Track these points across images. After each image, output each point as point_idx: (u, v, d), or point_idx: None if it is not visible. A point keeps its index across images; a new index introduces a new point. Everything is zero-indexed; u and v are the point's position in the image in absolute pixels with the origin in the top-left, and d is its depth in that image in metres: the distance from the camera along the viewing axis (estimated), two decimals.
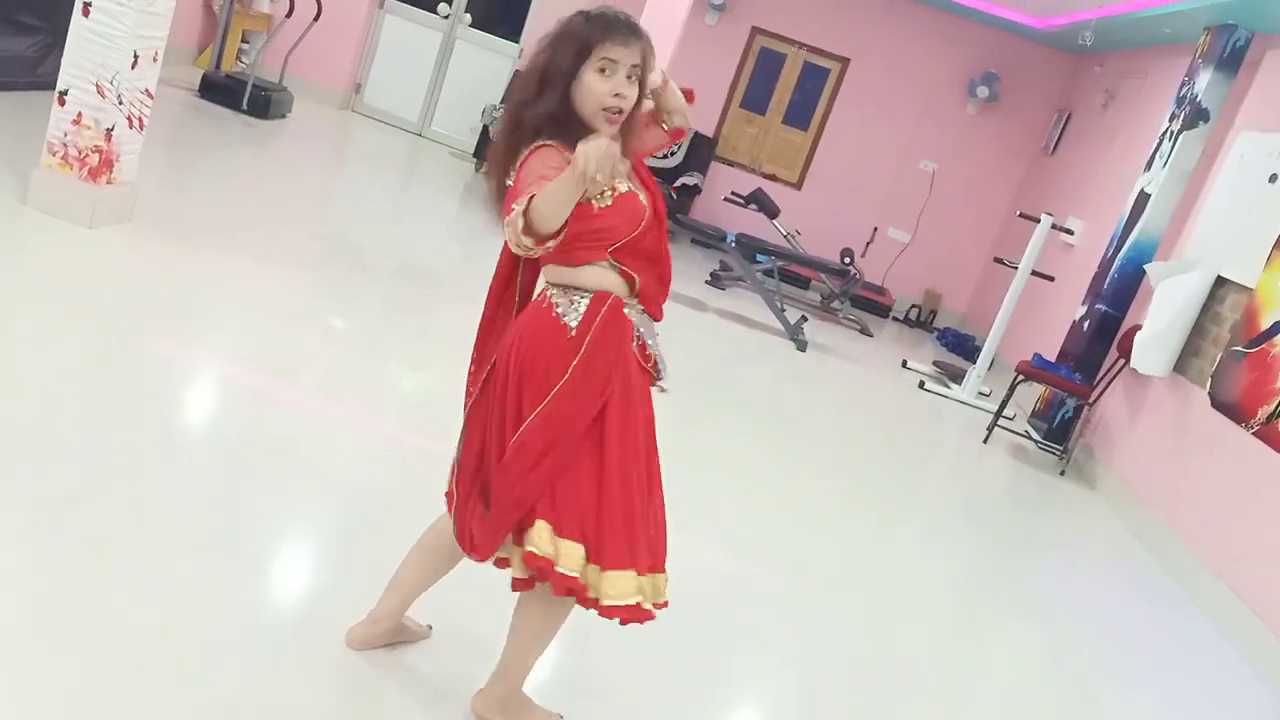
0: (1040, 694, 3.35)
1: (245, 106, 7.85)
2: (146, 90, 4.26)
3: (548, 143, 1.91)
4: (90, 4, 4.08)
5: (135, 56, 4.13)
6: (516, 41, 9.59)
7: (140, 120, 4.29)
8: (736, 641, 2.96)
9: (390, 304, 5.02)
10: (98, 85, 4.11)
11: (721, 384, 5.57)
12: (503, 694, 2.14)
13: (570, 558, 1.90)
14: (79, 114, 4.14)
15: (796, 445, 5.04)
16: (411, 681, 2.28)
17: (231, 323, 3.97)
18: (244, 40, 9.07)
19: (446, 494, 2.14)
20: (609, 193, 1.94)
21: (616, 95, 1.91)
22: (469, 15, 9.63)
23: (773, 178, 9.39)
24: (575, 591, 1.91)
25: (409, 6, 9.68)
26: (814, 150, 9.47)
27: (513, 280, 2.11)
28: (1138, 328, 5.71)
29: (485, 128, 8.91)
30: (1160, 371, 5.41)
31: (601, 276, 1.98)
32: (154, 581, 2.30)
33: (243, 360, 3.67)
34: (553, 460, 1.91)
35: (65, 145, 4.17)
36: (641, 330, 2.04)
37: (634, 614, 1.92)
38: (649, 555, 1.97)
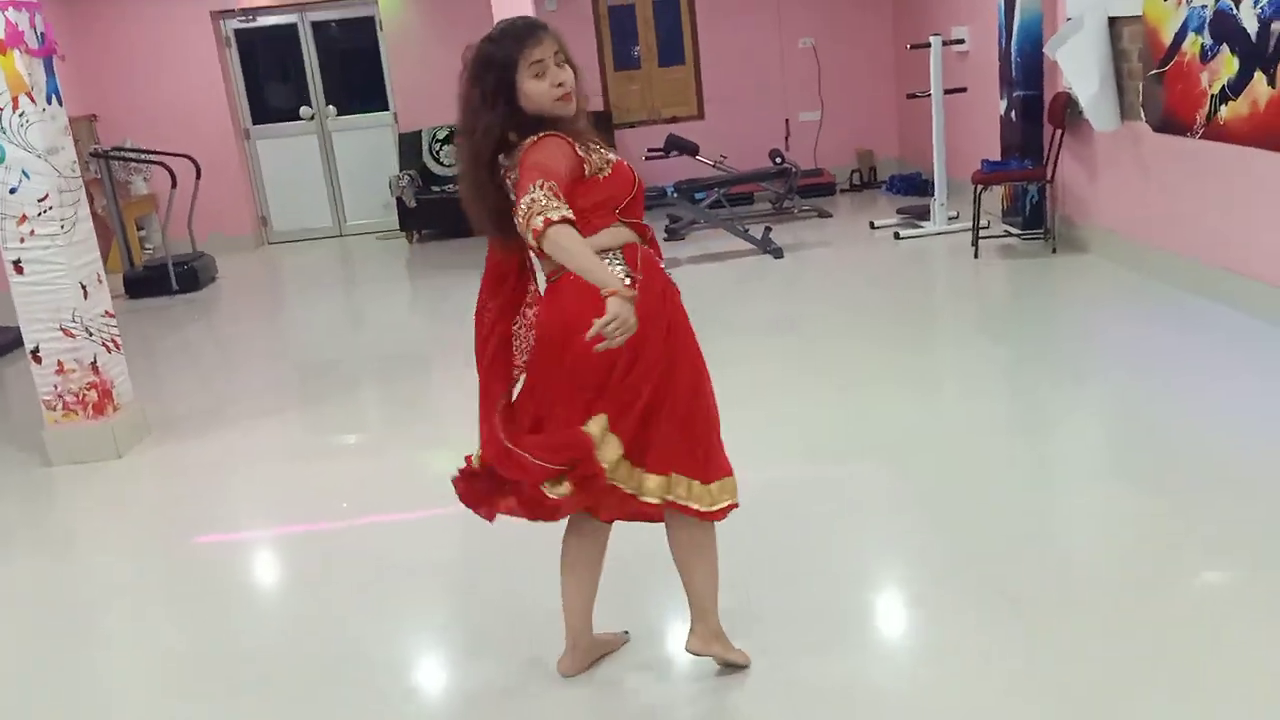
0: (1139, 448, 3.55)
1: (176, 286, 7.96)
2: (106, 312, 4.40)
3: (550, 134, 2.10)
4: (19, 260, 4.21)
5: (83, 287, 4.26)
6: (387, 109, 9.68)
7: (114, 341, 4.42)
8: (844, 536, 3.14)
9: (390, 399, 5.11)
10: (63, 329, 4.24)
11: (727, 316, 5.70)
12: (709, 627, 2.37)
13: (680, 485, 2.18)
14: (59, 363, 4.28)
15: (815, 340, 5.21)
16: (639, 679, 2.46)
17: (273, 488, 4.06)
18: (139, 228, 9.15)
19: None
20: (609, 164, 2.16)
21: (559, 85, 2.12)
22: (332, 108, 9.72)
23: (674, 119, 9.53)
24: (707, 515, 2.20)
25: (272, 125, 9.75)
26: (699, 78, 9.60)
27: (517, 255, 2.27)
28: (1061, 95, 5.91)
29: (399, 200, 9.03)
30: (1115, 125, 5.55)
31: (618, 234, 2.19)
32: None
33: (301, 512, 3.80)
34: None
35: (60, 396, 4.31)
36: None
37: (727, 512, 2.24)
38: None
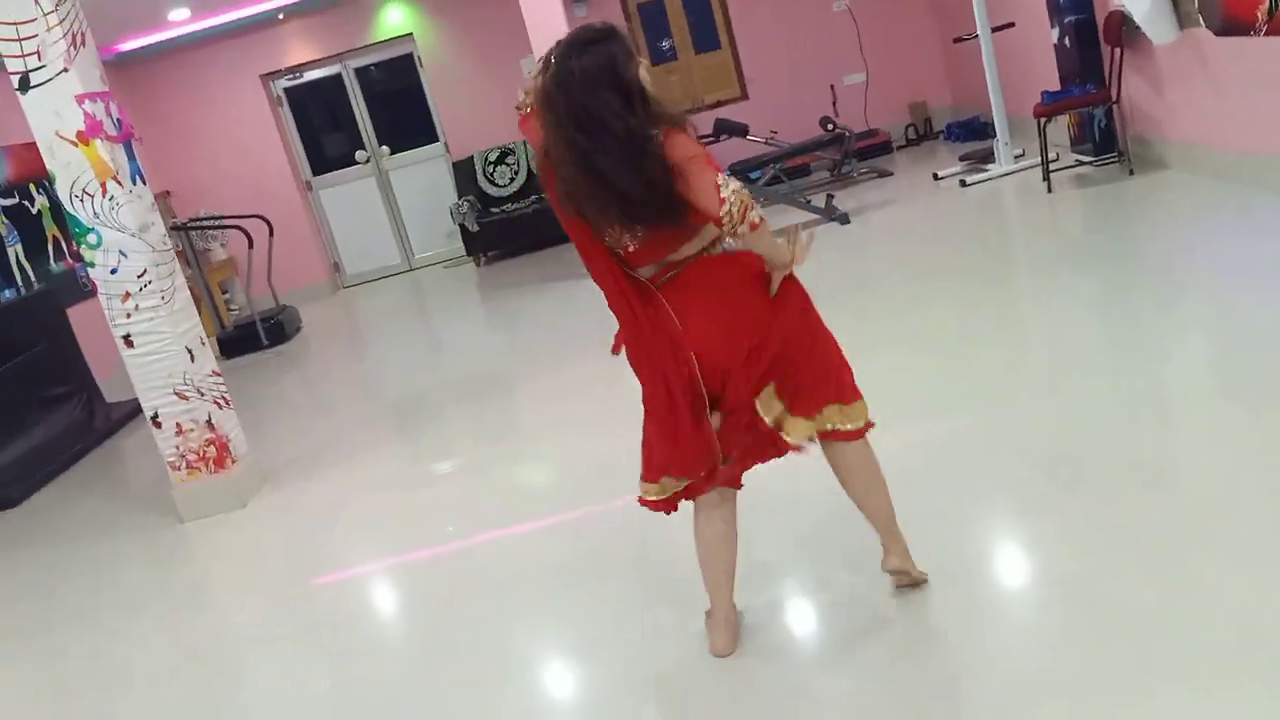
0: (1248, 364, 3.46)
1: (266, 341, 8.25)
2: (213, 371, 4.60)
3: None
4: (129, 335, 4.42)
5: (189, 351, 4.46)
6: (438, 140, 9.88)
7: (224, 399, 4.62)
8: (974, 488, 3.13)
9: (480, 419, 5.19)
10: (176, 393, 4.44)
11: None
12: (901, 544, 2.53)
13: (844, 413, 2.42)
14: (177, 425, 4.48)
15: (897, 299, 5.17)
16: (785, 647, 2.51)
17: (386, 518, 4.17)
18: (223, 291, 9.50)
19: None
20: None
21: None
22: (385, 148, 9.95)
23: (719, 104, 9.53)
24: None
25: (332, 173, 10.03)
26: (737, 59, 9.59)
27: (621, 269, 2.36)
28: (1115, 14, 5.76)
29: (461, 226, 9.21)
30: (1174, 36, 5.39)
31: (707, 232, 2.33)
32: None
33: (417, 538, 3.90)
34: None
35: (183, 456, 4.52)
36: None
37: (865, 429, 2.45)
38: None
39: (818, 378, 2.38)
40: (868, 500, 2.50)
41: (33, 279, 7.21)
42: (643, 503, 2.46)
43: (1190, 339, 3.83)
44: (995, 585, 2.62)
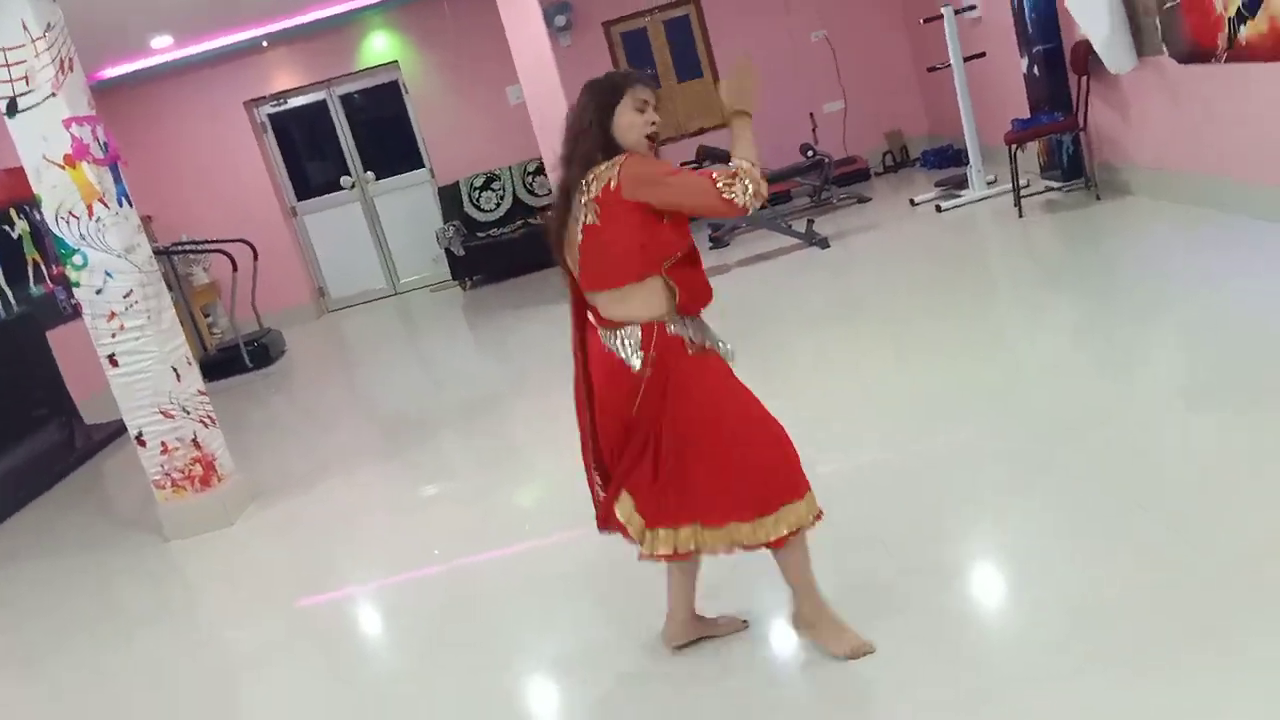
0: (1216, 372, 3.57)
1: (250, 364, 8.28)
2: (199, 390, 4.65)
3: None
4: (113, 355, 4.47)
5: (174, 370, 4.51)
6: (423, 166, 9.98)
7: (210, 417, 4.67)
8: (948, 500, 3.22)
9: (469, 441, 5.24)
10: (162, 412, 4.49)
11: (784, 310, 5.80)
12: (808, 607, 2.50)
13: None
14: (162, 443, 4.52)
15: (876, 320, 5.28)
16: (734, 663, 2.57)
17: (374, 540, 4.20)
18: (206, 315, 9.52)
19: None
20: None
21: (653, 124, 2.38)
22: (370, 173, 10.04)
23: (701, 131, 9.68)
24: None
25: (317, 198, 10.11)
26: (719, 87, 9.74)
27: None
28: (1081, 44, 5.93)
29: (447, 250, 9.29)
30: (1130, 64, 5.59)
31: (650, 301, 2.36)
32: None
33: (405, 561, 3.92)
34: None
35: (168, 474, 4.55)
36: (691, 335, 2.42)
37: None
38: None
39: (717, 488, 2.40)
40: (788, 570, 2.50)
41: (13, 303, 7.23)
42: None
43: (1156, 353, 3.95)
44: (969, 593, 2.70)
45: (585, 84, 2.43)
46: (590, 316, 2.46)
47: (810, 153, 8.45)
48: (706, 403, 2.37)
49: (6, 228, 7.43)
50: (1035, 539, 2.80)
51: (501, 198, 9.62)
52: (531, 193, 9.56)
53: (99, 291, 4.43)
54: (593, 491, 2.60)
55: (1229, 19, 4.64)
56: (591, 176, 2.32)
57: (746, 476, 2.35)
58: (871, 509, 3.10)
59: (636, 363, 2.33)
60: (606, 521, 2.56)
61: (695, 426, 2.35)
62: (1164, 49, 5.27)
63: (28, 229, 7.58)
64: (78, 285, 4.43)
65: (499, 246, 9.28)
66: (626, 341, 2.35)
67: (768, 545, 2.38)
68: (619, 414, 2.40)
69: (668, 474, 2.38)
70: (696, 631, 2.65)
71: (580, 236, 2.33)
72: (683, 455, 2.37)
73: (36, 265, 7.65)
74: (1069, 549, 2.69)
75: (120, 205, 4.48)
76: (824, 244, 7.05)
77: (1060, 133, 6.31)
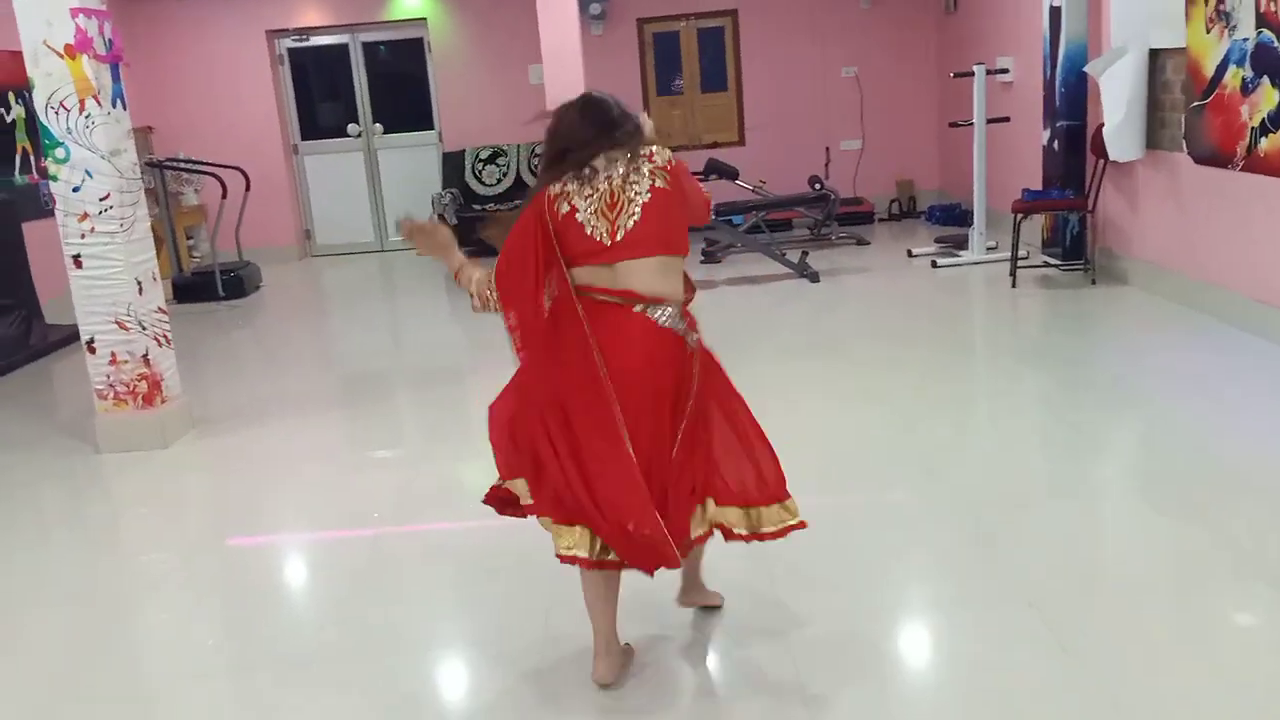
0: (1175, 473, 3.54)
1: (222, 293, 8.15)
2: (159, 309, 4.53)
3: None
4: (79, 255, 4.36)
5: (138, 283, 4.40)
6: (432, 129, 9.87)
7: (165, 337, 4.55)
8: (882, 554, 3.16)
9: (426, 410, 5.14)
10: (118, 322, 4.38)
11: (762, 338, 5.75)
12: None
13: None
14: (112, 354, 4.41)
15: (851, 363, 5.22)
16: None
17: (309, 491, 4.10)
18: (188, 237, 9.37)
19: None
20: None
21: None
22: (378, 126, 9.93)
23: (714, 145, 9.63)
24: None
25: (321, 140, 9.98)
26: (741, 104, 9.71)
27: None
28: (1103, 125, 5.92)
29: (440, 216, 9.18)
30: (1135, 154, 5.62)
31: (682, 277, 2.47)
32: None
33: (336, 518, 3.84)
34: None
35: (112, 386, 4.44)
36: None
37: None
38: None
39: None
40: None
41: None
42: None
43: (1107, 447, 3.92)
44: (905, 646, 2.65)
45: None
46: (606, 298, 2.31)
47: (818, 185, 8.41)
48: (730, 389, 2.48)
49: (2, 110, 7.28)
50: (934, 612, 2.75)
51: (505, 173, 9.53)
52: (535, 175, 9.46)
53: (76, 189, 4.31)
54: (652, 533, 2.24)
55: (1252, 128, 4.64)
56: (647, 151, 2.37)
57: (771, 457, 2.46)
58: (780, 548, 2.93)
59: (692, 338, 2.37)
60: (686, 552, 2.38)
61: (733, 400, 2.46)
62: (1184, 146, 5.26)
63: (23, 115, 7.41)
64: (55, 179, 4.32)
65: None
66: (672, 315, 2.33)
67: (775, 535, 2.45)
68: (666, 396, 2.29)
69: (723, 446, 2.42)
70: (624, 659, 2.53)
71: (647, 196, 2.31)
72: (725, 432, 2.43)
73: (25, 154, 7.49)
74: (966, 632, 2.63)
75: (114, 106, 4.37)
76: (814, 278, 7.01)
77: (1068, 210, 6.30)
